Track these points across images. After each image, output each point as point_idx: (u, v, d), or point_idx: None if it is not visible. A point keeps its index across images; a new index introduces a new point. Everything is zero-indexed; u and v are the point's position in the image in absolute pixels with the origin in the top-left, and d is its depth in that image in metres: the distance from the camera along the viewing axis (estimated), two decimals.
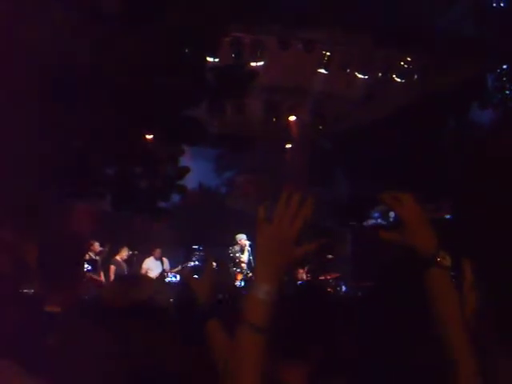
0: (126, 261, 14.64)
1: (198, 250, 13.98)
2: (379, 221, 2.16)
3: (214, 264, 3.53)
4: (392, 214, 2.10)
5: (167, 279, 13.53)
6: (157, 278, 13.47)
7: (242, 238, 14.16)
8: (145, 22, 6.19)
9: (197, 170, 15.88)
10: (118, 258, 14.46)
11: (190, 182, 15.73)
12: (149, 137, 7.24)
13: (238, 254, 14.04)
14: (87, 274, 11.97)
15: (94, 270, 12.44)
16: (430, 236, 2.03)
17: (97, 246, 13.69)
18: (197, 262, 13.74)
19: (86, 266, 11.60)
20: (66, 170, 6.04)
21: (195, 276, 3.11)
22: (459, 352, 1.91)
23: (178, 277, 13.53)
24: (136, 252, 14.92)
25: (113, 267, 14.17)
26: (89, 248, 13.11)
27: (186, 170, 7.59)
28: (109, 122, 6.02)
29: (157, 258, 14.80)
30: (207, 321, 2.89)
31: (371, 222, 2.17)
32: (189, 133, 6.93)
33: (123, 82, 5.83)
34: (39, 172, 5.81)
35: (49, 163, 5.61)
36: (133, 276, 3.53)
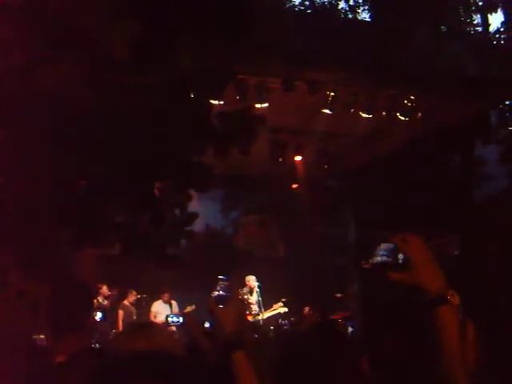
0: (134, 305, 14.62)
1: (222, 279, 13.93)
2: (385, 259, 2.19)
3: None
4: (401, 255, 2.14)
5: (169, 319, 13.30)
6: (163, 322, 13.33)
7: (251, 280, 14.14)
8: (154, 68, 6.28)
9: (203, 211, 15.91)
10: (126, 302, 14.44)
11: (196, 223, 15.77)
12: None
13: (246, 296, 14.00)
14: (98, 323, 11.92)
15: (106, 318, 12.40)
16: (438, 275, 2.08)
17: (105, 289, 13.69)
18: (221, 292, 13.66)
19: (98, 315, 11.57)
20: (76, 217, 6.08)
21: (220, 306, 3.07)
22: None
23: (181, 318, 13.34)
24: (144, 295, 14.90)
25: (121, 312, 14.14)
26: (97, 292, 13.12)
27: (195, 216, 7.61)
28: (119, 170, 6.08)
29: (165, 302, 14.78)
30: (234, 351, 2.81)
31: (378, 259, 2.20)
32: (197, 179, 6.97)
33: (133, 130, 5.90)
34: (51, 218, 5.85)
35: (61, 210, 5.66)
36: (141, 325, 3.49)
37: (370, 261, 2.20)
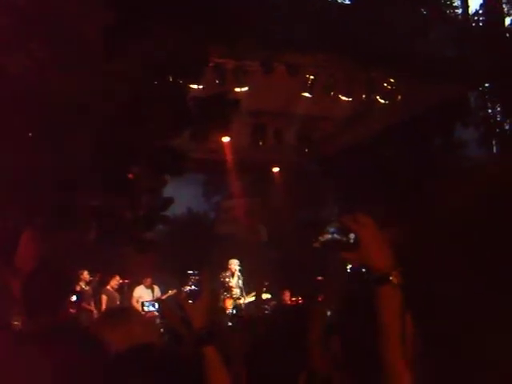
0: (117, 290, 14.61)
1: (193, 274, 13.92)
2: (336, 237, 2.19)
3: None
4: (352, 235, 2.15)
5: (145, 307, 13.23)
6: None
7: (233, 263, 14.16)
8: (127, 51, 6.23)
9: (185, 195, 15.89)
10: (109, 287, 14.43)
11: (178, 207, 15.73)
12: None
13: (228, 279, 14.02)
14: (78, 304, 11.89)
15: (82, 300, 12.35)
16: (386, 255, 2.09)
17: (86, 275, 13.66)
18: (193, 287, 13.68)
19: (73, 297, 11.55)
20: (50, 201, 6.05)
21: (190, 301, 3.05)
22: (393, 366, 1.99)
23: (157, 305, 13.30)
24: (127, 281, 14.90)
25: (105, 297, 14.12)
26: (78, 278, 13.09)
27: (170, 200, 7.59)
28: (94, 155, 6.05)
29: (147, 287, 14.78)
30: (204, 346, 2.80)
31: (329, 237, 2.21)
32: (171, 163, 6.95)
33: (107, 115, 5.87)
34: (25, 201, 5.82)
35: (33, 196, 5.63)
36: (119, 313, 3.48)
37: (321, 238, 2.20)
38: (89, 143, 6.11)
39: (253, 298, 14.29)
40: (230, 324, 11.09)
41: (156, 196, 7.44)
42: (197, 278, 13.84)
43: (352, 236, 2.14)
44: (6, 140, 4.80)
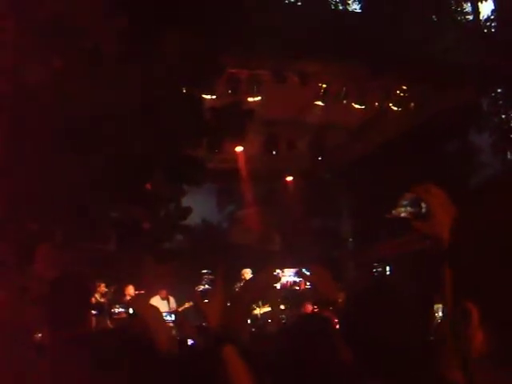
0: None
1: (206, 273, 13.87)
2: (409, 209, 2.24)
3: None
4: (423, 205, 2.20)
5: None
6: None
7: (247, 273, 14.12)
8: (142, 62, 6.27)
9: (199, 205, 15.89)
10: (127, 297, 14.41)
11: (192, 217, 15.73)
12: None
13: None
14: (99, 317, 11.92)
15: (101, 313, 12.37)
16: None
17: (103, 287, 13.66)
18: (206, 286, 13.65)
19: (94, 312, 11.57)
20: (70, 212, 6.08)
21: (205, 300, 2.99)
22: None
23: (173, 316, 13.34)
24: (142, 292, 14.88)
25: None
26: (95, 290, 13.09)
27: (189, 210, 7.62)
28: (111, 165, 6.08)
29: (163, 298, 14.76)
30: (222, 346, 2.67)
31: (402, 210, 2.25)
32: (189, 173, 6.98)
33: (124, 123, 5.90)
34: (47, 211, 5.85)
35: (55, 207, 5.65)
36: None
37: (394, 212, 2.24)
38: (109, 154, 6.14)
39: (268, 309, 14.22)
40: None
41: (175, 206, 7.47)
42: (210, 277, 13.83)
43: (423, 206, 2.19)
44: (29, 153, 4.84)
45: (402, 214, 2.26)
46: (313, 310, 14.04)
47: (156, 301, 14.67)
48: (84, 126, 5.74)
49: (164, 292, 14.81)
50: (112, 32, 5.59)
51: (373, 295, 2.49)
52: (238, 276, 14.04)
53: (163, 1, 6.29)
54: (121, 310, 13.08)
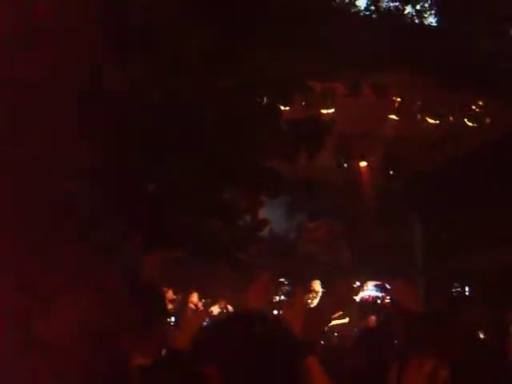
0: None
1: (283, 283, 13.84)
2: None
3: None
4: None
5: None
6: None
7: (316, 284, 14.10)
8: (222, 74, 6.35)
9: (267, 216, 15.88)
10: (191, 305, 14.55)
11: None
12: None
13: (309, 301, 13.93)
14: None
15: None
16: None
17: (171, 293, 13.85)
18: (282, 297, 13.61)
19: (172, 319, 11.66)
20: (145, 220, 6.18)
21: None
22: None
23: None
24: (209, 300, 15.00)
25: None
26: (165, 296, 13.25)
27: (266, 222, 7.65)
28: (187, 172, 6.16)
29: (222, 308, 14.79)
30: (304, 357, 2.60)
31: None
32: (267, 185, 7.01)
33: (207, 134, 5.99)
34: (119, 221, 5.95)
35: (129, 212, 5.75)
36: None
37: None
38: (182, 159, 6.22)
39: (345, 320, 14.01)
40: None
41: (252, 217, 7.51)
42: (287, 288, 13.75)
43: None
44: (101, 153, 4.94)
45: None
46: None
47: (215, 311, 14.74)
48: (159, 130, 5.84)
49: (223, 302, 14.85)
50: (197, 42, 5.68)
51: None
52: (307, 287, 14.02)
53: (249, 15, 6.35)
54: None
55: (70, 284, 2.73)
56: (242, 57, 6.49)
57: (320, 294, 13.95)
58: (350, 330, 13.60)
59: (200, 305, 14.65)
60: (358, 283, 15.22)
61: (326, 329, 13.17)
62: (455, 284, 15.99)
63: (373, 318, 13.84)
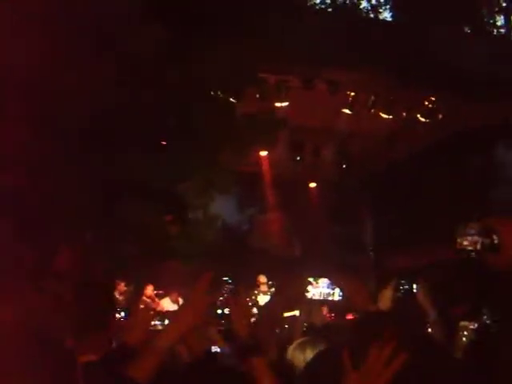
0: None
1: (227, 282, 13.73)
2: (476, 238, 2.11)
3: None
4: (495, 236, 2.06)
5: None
6: None
7: (262, 279, 14.02)
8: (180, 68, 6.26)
9: (218, 207, 15.80)
10: (145, 298, 14.35)
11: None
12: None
13: (253, 296, 13.81)
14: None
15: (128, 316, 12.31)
16: None
17: (122, 286, 13.67)
18: (225, 295, 13.50)
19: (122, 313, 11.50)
20: (99, 215, 6.08)
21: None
22: None
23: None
24: (161, 292, 14.83)
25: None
26: (115, 288, 13.08)
27: (217, 218, 7.62)
28: (143, 171, 6.08)
29: (173, 301, 14.63)
30: (251, 357, 2.64)
31: (468, 239, 2.12)
32: (220, 182, 6.97)
33: (155, 129, 5.89)
34: (74, 213, 5.84)
35: (83, 209, 5.65)
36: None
37: (459, 239, 2.12)
38: (136, 156, 6.13)
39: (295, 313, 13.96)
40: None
41: (204, 212, 7.46)
42: (231, 286, 13.66)
43: (495, 238, 2.07)
44: (61, 154, 4.83)
45: (467, 244, 2.13)
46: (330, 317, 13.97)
47: (166, 302, 14.60)
48: (116, 128, 5.73)
49: (175, 294, 14.67)
50: (149, 39, 5.58)
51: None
52: (254, 282, 13.92)
53: (200, 10, 6.27)
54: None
55: (11, 283, 2.63)
56: (191, 53, 6.41)
57: (266, 288, 13.87)
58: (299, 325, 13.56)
59: (153, 297, 14.46)
60: (310, 279, 15.22)
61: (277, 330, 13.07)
62: (402, 281, 16.11)
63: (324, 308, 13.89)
